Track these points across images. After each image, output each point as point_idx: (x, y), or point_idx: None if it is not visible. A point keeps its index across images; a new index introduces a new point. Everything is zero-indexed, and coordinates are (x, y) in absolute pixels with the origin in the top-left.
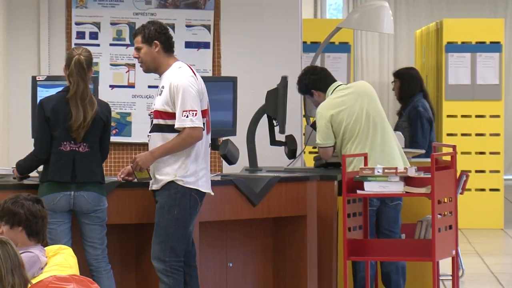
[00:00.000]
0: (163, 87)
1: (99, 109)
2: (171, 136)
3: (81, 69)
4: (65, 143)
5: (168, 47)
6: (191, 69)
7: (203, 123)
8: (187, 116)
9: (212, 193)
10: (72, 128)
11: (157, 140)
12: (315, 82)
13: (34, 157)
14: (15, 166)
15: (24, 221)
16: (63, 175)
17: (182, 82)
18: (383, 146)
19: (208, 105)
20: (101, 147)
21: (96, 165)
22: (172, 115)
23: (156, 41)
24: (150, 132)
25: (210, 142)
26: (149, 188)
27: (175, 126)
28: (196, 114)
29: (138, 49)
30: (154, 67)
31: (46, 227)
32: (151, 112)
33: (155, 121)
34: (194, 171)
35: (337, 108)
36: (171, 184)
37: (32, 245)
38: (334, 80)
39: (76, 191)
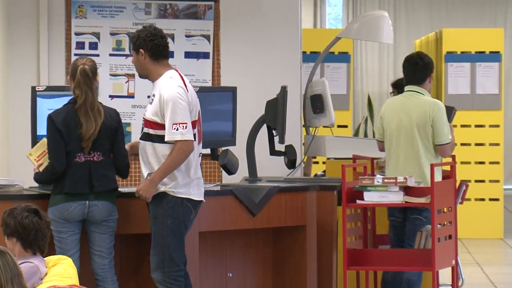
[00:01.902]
0: (153, 95)
1: (109, 117)
2: (160, 146)
3: (87, 79)
4: (79, 154)
5: (156, 55)
6: (183, 79)
7: (194, 134)
8: (177, 129)
9: (204, 200)
10: (83, 138)
11: (147, 149)
12: (404, 71)
13: (51, 169)
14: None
15: (15, 232)
16: (81, 186)
17: (171, 94)
18: (397, 161)
19: (199, 114)
20: (119, 154)
21: (111, 172)
22: (161, 126)
23: (141, 50)
24: (140, 138)
25: (201, 151)
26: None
27: (166, 139)
28: (186, 127)
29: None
30: (145, 74)
31: (44, 239)
32: (143, 119)
33: (145, 130)
34: (186, 182)
35: (388, 109)
36: (162, 194)
37: (30, 256)
38: (416, 81)
39: (91, 200)
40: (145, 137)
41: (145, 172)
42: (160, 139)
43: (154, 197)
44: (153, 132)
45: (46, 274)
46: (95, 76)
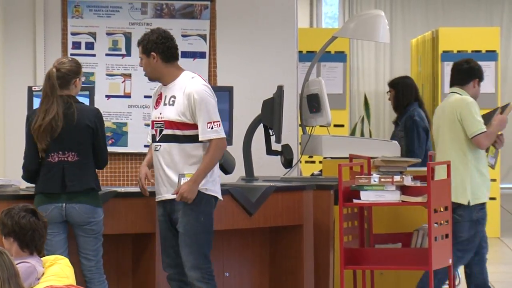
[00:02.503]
0: (174, 97)
1: (86, 116)
2: (189, 146)
3: (47, 82)
4: (52, 154)
5: (168, 57)
6: (203, 79)
7: None
8: (212, 128)
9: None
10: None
11: (173, 150)
12: (450, 74)
13: (23, 169)
14: None
15: (12, 232)
16: (52, 186)
17: (201, 93)
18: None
19: None
20: (96, 153)
21: (87, 173)
22: (191, 126)
23: (153, 53)
24: (160, 142)
25: None
26: (164, 198)
27: (200, 138)
28: (219, 124)
29: (140, 59)
30: (156, 77)
31: (41, 239)
32: (160, 121)
33: (168, 131)
34: (213, 179)
35: (436, 110)
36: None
37: (26, 256)
38: (459, 82)
39: (67, 202)
40: (169, 138)
41: (171, 173)
42: (189, 139)
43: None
44: (181, 132)
45: (43, 274)
46: (66, 80)
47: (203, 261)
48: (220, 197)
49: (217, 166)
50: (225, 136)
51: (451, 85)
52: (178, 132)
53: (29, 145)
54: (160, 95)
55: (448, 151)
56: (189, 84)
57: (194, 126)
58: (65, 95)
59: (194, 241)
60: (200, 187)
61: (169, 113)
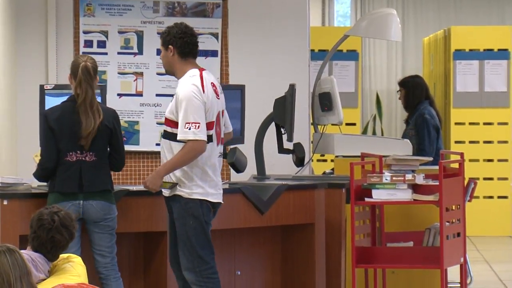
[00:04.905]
0: (176, 93)
1: (105, 117)
2: (175, 145)
3: (88, 76)
4: (71, 153)
5: (185, 53)
6: (202, 78)
7: (212, 135)
8: (190, 129)
9: (222, 202)
10: (81, 136)
11: (165, 147)
12: None
13: (41, 165)
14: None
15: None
16: (70, 186)
17: (185, 92)
18: None
19: (220, 116)
20: (115, 153)
21: (104, 173)
22: (177, 124)
23: (170, 46)
24: (161, 136)
25: (222, 152)
26: (164, 194)
27: (178, 138)
28: (198, 126)
29: (160, 51)
30: (171, 71)
31: (54, 244)
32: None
33: (164, 128)
34: (202, 183)
35: None
36: (179, 196)
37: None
38: None
39: (84, 200)
40: (165, 135)
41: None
42: (176, 138)
43: (173, 199)
44: (171, 130)
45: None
46: (96, 75)
47: (198, 263)
48: (214, 200)
49: (213, 169)
50: (203, 139)
51: None
52: (169, 129)
53: (48, 142)
54: None
55: None
56: (182, 82)
57: None
58: None
59: (187, 244)
60: (184, 192)
61: (167, 109)
